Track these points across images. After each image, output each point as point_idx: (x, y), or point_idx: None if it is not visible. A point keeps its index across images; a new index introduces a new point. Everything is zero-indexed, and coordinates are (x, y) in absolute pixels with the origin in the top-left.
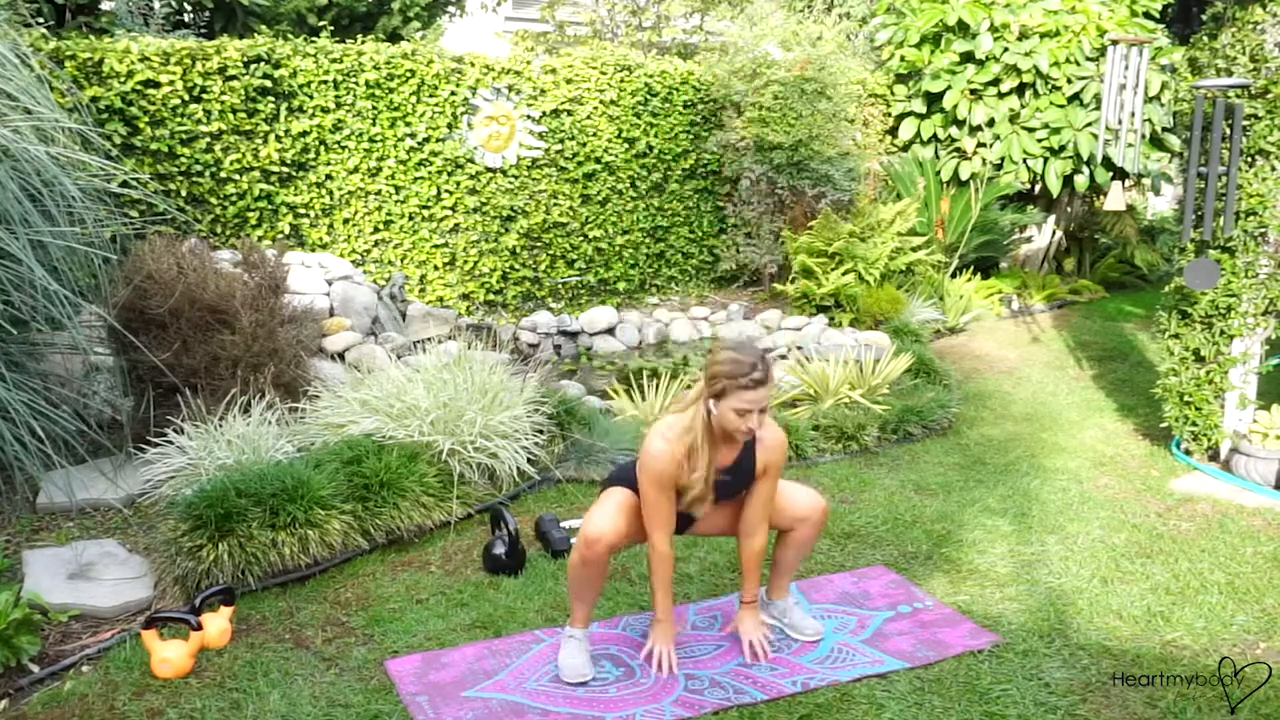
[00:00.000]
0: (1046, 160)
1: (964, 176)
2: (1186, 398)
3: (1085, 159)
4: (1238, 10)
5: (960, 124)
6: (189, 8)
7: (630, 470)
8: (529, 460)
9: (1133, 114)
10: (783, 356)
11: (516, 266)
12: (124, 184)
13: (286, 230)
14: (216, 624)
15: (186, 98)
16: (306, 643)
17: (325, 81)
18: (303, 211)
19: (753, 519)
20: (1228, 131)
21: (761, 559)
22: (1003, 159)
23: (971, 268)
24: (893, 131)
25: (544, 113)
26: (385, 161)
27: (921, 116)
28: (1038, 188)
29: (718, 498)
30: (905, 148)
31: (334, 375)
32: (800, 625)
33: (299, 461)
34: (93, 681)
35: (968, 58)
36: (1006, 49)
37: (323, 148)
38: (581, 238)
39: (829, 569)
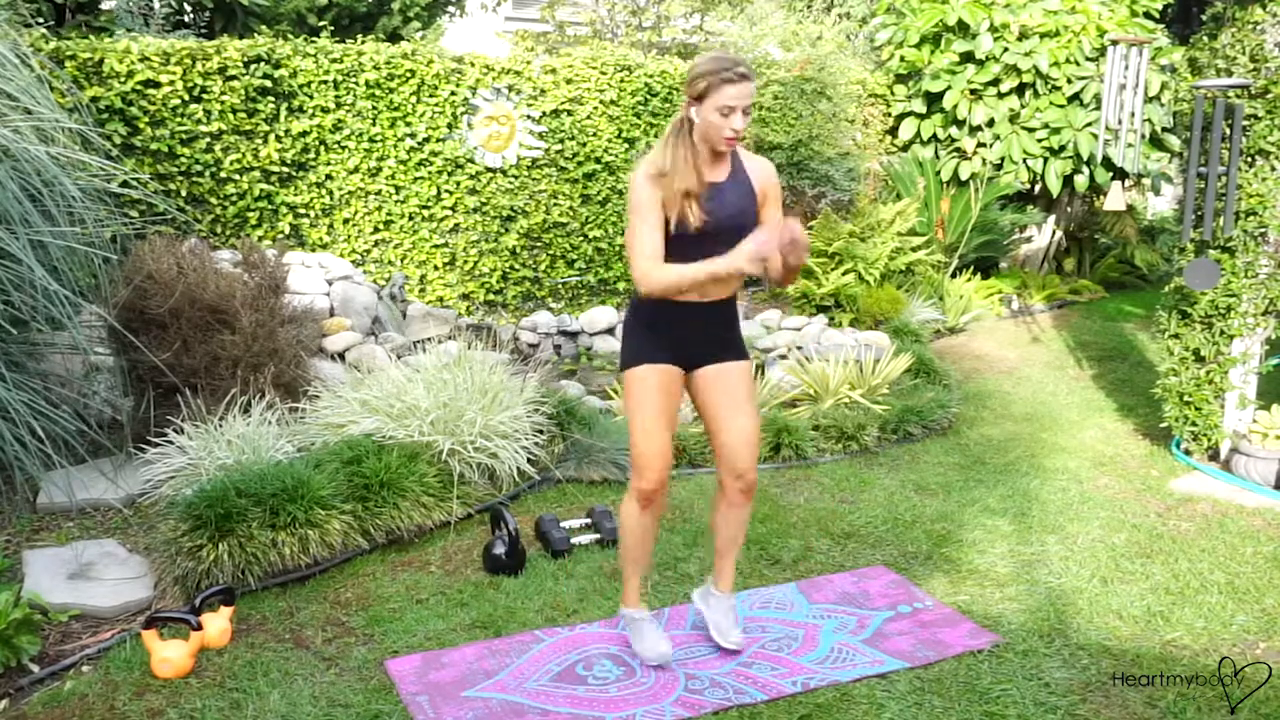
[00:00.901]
0: (1046, 160)
1: (964, 176)
2: (1186, 398)
3: (1085, 159)
4: (1238, 10)
5: (960, 124)
6: (189, 8)
7: (630, 322)
8: (529, 460)
9: (1133, 114)
10: (783, 357)
11: (516, 266)
12: (124, 184)
13: (286, 230)
14: (216, 624)
15: (186, 98)
16: (306, 643)
17: (325, 81)
18: (303, 211)
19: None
20: (1228, 131)
21: None
22: (1003, 159)
23: (971, 268)
24: (893, 131)
25: (544, 113)
26: (385, 161)
27: (921, 116)
28: (1038, 188)
29: (723, 227)
30: (905, 148)
31: (334, 375)
32: (724, 630)
33: (299, 461)
34: (93, 681)
35: (968, 58)
36: (1006, 49)
37: (323, 148)
38: (581, 238)
39: (829, 569)
